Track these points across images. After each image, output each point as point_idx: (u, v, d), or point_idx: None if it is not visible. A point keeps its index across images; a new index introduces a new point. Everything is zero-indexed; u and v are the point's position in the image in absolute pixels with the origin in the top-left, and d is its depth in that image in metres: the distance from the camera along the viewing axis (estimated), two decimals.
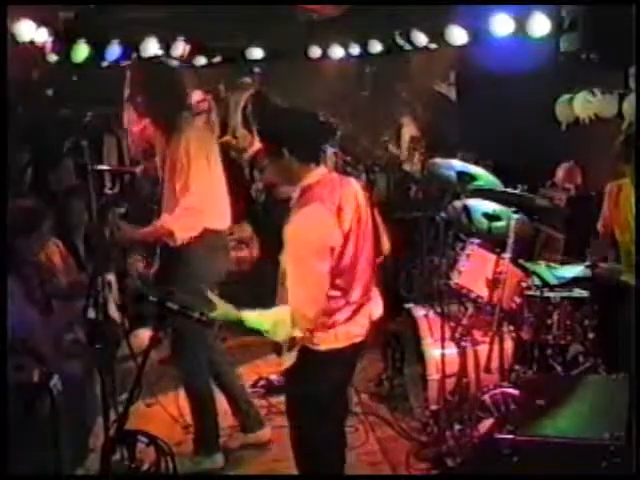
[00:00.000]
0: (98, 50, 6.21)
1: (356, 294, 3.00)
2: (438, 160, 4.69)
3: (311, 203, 2.88)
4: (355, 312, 3.01)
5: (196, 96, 8.75)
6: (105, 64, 6.38)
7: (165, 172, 3.89)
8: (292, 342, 2.98)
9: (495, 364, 4.08)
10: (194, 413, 4.15)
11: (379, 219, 3.31)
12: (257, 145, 5.91)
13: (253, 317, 2.90)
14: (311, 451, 3.14)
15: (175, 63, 7.20)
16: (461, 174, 4.29)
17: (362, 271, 3.02)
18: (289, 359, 3.02)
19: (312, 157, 2.97)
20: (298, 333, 2.88)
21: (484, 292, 4.09)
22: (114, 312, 4.44)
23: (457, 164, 4.40)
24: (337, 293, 2.95)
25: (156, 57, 6.10)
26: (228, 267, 4.20)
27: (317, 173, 2.96)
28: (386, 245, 3.35)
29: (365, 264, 3.04)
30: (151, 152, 4.06)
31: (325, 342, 2.97)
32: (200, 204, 3.81)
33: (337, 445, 3.22)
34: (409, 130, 7.60)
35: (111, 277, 4.89)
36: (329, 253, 2.87)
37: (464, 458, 3.74)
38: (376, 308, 3.17)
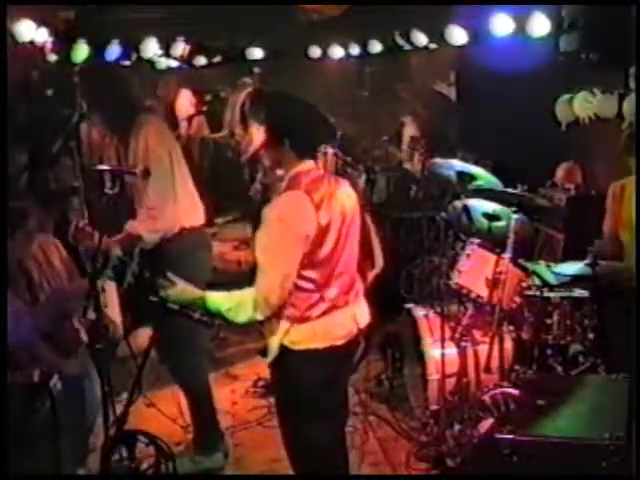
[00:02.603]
0: (98, 50, 6.20)
1: (332, 292, 2.98)
2: (438, 160, 4.70)
3: (293, 189, 2.91)
4: (329, 310, 2.98)
5: (186, 97, 8.77)
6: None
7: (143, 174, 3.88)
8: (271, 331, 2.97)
9: (495, 364, 4.08)
10: (192, 413, 4.15)
11: (374, 233, 3.31)
12: (256, 143, 5.88)
13: (215, 297, 2.92)
14: (302, 452, 3.14)
15: (174, 63, 7.22)
16: (461, 174, 4.30)
17: (341, 271, 3.01)
18: (270, 356, 3.02)
19: (309, 154, 3.01)
20: (259, 317, 2.88)
21: (484, 292, 4.09)
22: (114, 312, 4.44)
23: (457, 164, 4.41)
24: (310, 286, 2.93)
25: (103, 63, 6.06)
26: (210, 267, 4.19)
27: (307, 164, 2.99)
28: (379, 261, 3.35)
29: (346, 266, 3.03)
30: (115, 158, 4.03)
31: (303, 341, 2.96)
32: (163, 203, 3.79)
33: (334, 448, 3.21)
34: (409, 130, 7.61)
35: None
36: (302, 241, 2.86)
37: (464, 458, 3.74)
38: (362, 314, 3.15)
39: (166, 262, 3.81)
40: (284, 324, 2.95)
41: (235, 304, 2.89)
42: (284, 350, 2.97)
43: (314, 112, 3.06)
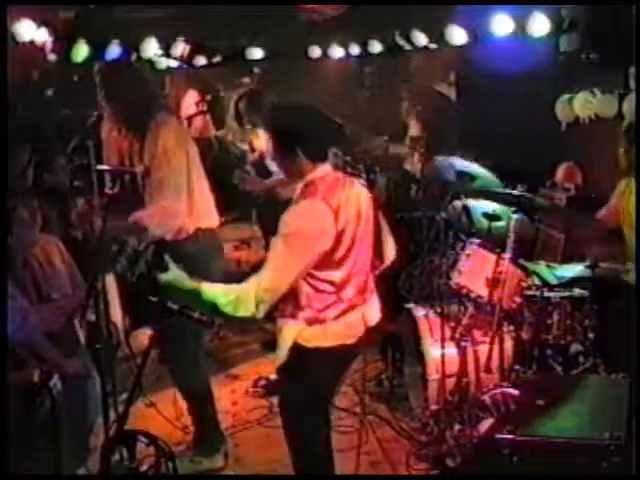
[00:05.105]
0: (98, 50, 6.19)
1: (348, 292, 3.02)
2: (439, 158, 4.70)
3: (312, 197, 2.92)
4: (346, 311, 3.02)
5: (191, 97, 8.77)
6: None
7: (143, 173, 3.88)
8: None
9: (495, 364, 4.08)
10: (193, 414, 4.15)
11: (386, 228, 3.33)
12: (260, 146, 5.89)
13: (212, 289, 2.89)
14: (305, 451, 3.16)
15: (174, 63, 7.22)
16: (461, 174, 4.30)
17: (357, 272, 3.04)
18: (280, 354, 3.04)
19: (321, 156, 3.02)
20: (260, 314, 2.87)
21: (484, 292, 4.09)
22: (114, 312, 4.44)
23: (457, 163, 4.40)
24: (329, 288, 2.97)
25: (123, 60, 6.07)
26: (223, 269, 4.18)
27: (322, 169, 3.01)
28: (389, 254, 3.36)
29: (361, 266, 3.06)
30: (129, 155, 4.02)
31: (315, 339, 2.99)
32: (176, 202, 3.77)
33: (329, 445, 3.24)
34: (410, 130, 7.60)
35: (110, 277, 4.89)
36: (317, 249, 2.88)
37: (464, 458, 3.74)
38: (372, 313, 3.18)
39: (181, 262, 3.81)
40: (299, 325, 2.98)
41: (234, 298, 2.86)
42: (296, 347, 2.99)
43: (319, 115, 3.06)
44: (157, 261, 2.91)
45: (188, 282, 2.93)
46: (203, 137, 8.71)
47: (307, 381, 3.03)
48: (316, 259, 2.90)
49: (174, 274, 2.93)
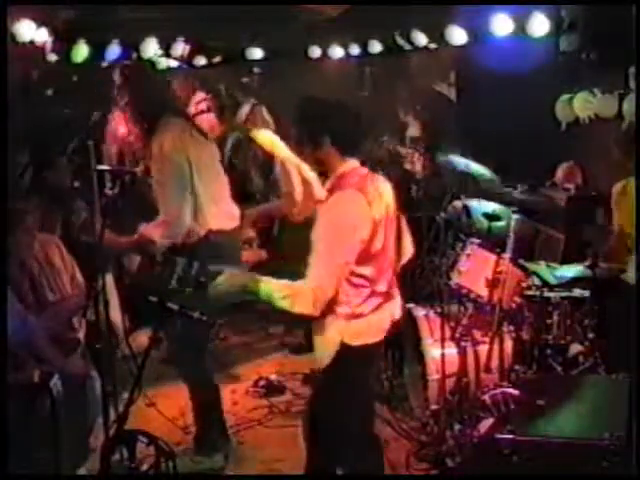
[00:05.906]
0: (98, 50, 6.20)
1: (382, 286, 3.03)
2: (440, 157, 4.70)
3: (347, 188, 2.91)
4: (381, 304, 3.03)
5: (196, 97, 8.76)
6: (105, 64, 6.38)
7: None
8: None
9: (495, 364, 4.09)
10: (196, 413, 4.15)
11: (404, 224, 3.34)
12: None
13: (269, 282, 2.86)
14: (355, 454, 3.15)
15: (174, 63, 7.22)
16: (462, 173, 4.31)
17: (387, 265, 3.06)
18: (325, 353, 2.99)
19: (351, 151, 3.01)
20: (317, 312, 2.84)
21: (484, 292, 4.09)
22: (114, 312, 4.44)
23: (459, 162, 4.41)
24: (363, 282, 2.96)
25: (146, 60, 6.08)
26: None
27: (351, 164, 3.01)
28: (407, 251, 3.36)
29: (390, 260, 3.08)
30: (135, 155, 4.03)
31: (359, 337, 2.97)
32: (178, 210, 3.75)
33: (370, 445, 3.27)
34: (410, 130, 7.60)
35: (110, 277, 4.90)
36: (358, 239, 2.88)
37: (464, 458, 3.74)
38: (397, 308, 3.19)
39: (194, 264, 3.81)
40: (340, 321, 2.96)
41: (292, 293, 2.82)
42: (343, 347, 2.96)
43: (348, 109, 3.06)
44: (206, 273, 2.89)
45: (244, 276, 2.93)
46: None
47: (354, 380, 3.03)
48: (358, 249, 2.88)
49: (228, 273, 2.90)
